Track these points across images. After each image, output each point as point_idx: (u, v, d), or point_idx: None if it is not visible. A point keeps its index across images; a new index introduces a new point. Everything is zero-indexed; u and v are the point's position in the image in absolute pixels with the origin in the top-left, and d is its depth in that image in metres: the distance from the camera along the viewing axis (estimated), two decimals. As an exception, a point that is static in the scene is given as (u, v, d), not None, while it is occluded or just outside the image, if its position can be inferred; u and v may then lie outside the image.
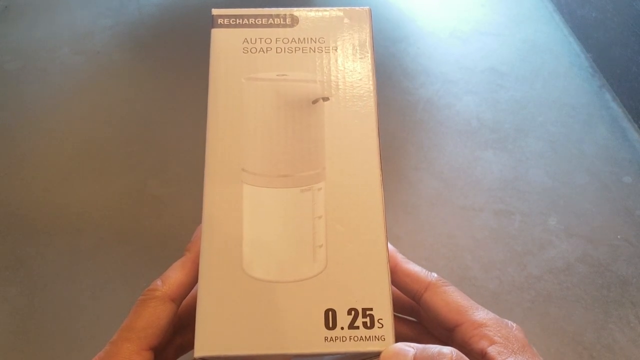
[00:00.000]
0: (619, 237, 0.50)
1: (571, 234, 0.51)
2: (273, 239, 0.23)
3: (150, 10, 0.74)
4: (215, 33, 0.26)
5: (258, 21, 0.26)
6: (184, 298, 0.24)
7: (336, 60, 0.26)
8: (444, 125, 0.59)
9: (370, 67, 0.26)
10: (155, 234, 0.50)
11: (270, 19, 0.26)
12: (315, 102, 0.25)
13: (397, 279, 0.25)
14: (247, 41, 0.26)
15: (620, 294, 0.47)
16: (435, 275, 0.25)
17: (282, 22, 0.26)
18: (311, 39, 0.26)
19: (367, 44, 0.26)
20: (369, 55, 0.26)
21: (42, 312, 0.46)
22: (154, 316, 0.22)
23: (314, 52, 0.26)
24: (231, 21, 0.26)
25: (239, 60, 0.26)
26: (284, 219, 0.24)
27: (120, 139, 0.59)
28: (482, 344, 0.22)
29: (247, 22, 0.26)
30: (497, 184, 0.54)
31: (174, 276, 0.24)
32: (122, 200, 0.53)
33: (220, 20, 0.26)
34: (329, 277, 0.23)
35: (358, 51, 0.26)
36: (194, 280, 0.24)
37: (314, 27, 0.26)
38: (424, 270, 0.25)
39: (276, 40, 0.26)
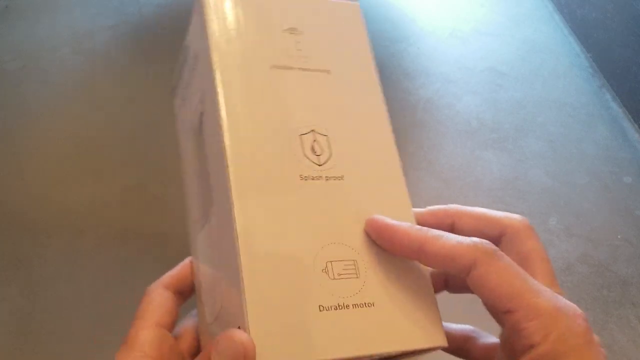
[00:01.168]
0: (619, 237, 0.50)
1: (571, 234, 0.51)
2: None
3: (150, 10, 0.74)
4: None
5: None
6: (180, 287, 0.26)
7: None
8: (444, 125, 0.59)
9: None
10: (155, 234, 0.50)
11: None
12: None
13: (432, 250, 0.21)
14: None
15: (621, 294, 0.47)
16: (484, 242, 0.20)
17: None
18: None
19: None
20: None
21: (42, 312, 0.46)
22: (149, 300, 0.24)
23: None
24: None
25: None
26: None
27: (120, 138, 0.59)
28: (533, 339, 0.19)
29: None
30: (497, 183, 0.54)
31: (175, 270, 0.26)
32: (122, 201, 0.53)
33: None
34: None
35: None
36: (187, 273, 0.26)
37: None
38: (460, 237, 0.21)
39: None
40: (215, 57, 0.24)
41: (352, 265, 0.22)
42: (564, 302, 0.20)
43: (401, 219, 0.23)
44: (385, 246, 0.22)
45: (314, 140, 0.24)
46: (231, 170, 0.22)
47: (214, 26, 0.25)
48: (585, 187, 0.54)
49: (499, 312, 0.20)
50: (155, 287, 0.25)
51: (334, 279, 0.22)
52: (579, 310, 0.19)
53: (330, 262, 0.22)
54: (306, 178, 0.23)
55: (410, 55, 0.67)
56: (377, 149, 0.25)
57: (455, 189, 0.54)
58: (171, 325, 0.24)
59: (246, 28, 0.25)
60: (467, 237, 0.20)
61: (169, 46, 0.70)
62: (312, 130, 0.24)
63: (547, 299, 0.19)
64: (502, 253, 0.20)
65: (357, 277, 0.22)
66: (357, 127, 0.25)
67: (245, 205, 0.22)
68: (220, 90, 0.23)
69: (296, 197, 0.23)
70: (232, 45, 0.25)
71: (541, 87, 0.63)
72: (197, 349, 0.26)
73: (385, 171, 0.24)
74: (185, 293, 0.26)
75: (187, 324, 0.26)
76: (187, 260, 0.27)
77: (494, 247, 0.20)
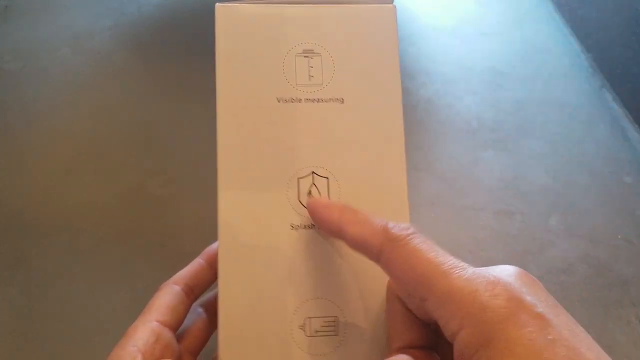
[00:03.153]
0: (619, 237, 0.50)
1: (572, 233, 0.51)
2: None
3: (150, 10, 0.74)
4: None
5: None
6: (192, 284, 0.26)
7: None
8: (444, 125, 0.59)
9: None
10: (155, 234, 0.50)
11: None
12: None
13: (349, 234, 0.20)
14: None
15: (621, 294, 0.47)
16: (391, 224, 0.19)
17: None
18: None
19: None
20: None
21: (42, 312, 0.46)
22: (156, 297, 0.25)
23: None
24: None
25: None
26: None
27: (120, 139, 0.59)
28: (451, 328, 0.15)
29: None
30: (497, 184, 0.54)
31: (187, 267, 0.27)
32: (122, 200, 0.53)
33: None
34: None
35: None
36: (200, 270, 0.26)
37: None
38: (378, 220, 0.19)
39: None
40: (220, 90, 0.22)
41: (332, 322, 0.21)
42: (484, 273, 0.16)
43: None
44: (315, 222, 0.21)
45: (312, 184, 0.22)
46: (220, 222, 0.21)
47: (223, 51, 0.23)
48: (585, 187, 0.54)
49: (416, 302, 0.17)
50: (166, 285, 0.26)
51: (311, 336, 0.21)
52: (502, 276, 0.15)
53: (310, 318, 0.21)
54: (297, 227, 0.21)
55: (411, 55, 0.67)
56: (383, 191, 0.22)
57: (455, 189, 0.54)
58: (174, 323, 0.25)
59: (257, 54, 0.23)
60: (381, 220, 0.18)
61: (168, 46, 0.70)
62: (312, 172, 0.22)
63: (460, 276, 0.16)
64: (415, 235, 0.17)
65: (335, 335, 0.21)
66: (365, 165, 0.22)
67: (229, 258, 0.21)
68: (218, 131, 0.22)
69: (283, 248, 0.21)
70: (239, 75, 0.22)
71: (541, 87, 0.63)
72: (200, 347, 0.26)
73: (389, 217, 0.22)
74: (196, 291, 0.26)
75: (193, 322, 0.26)
76: (199, 259, 0.27)
77: (406, 230, 0.17)
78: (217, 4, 0.23)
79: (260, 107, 0.22)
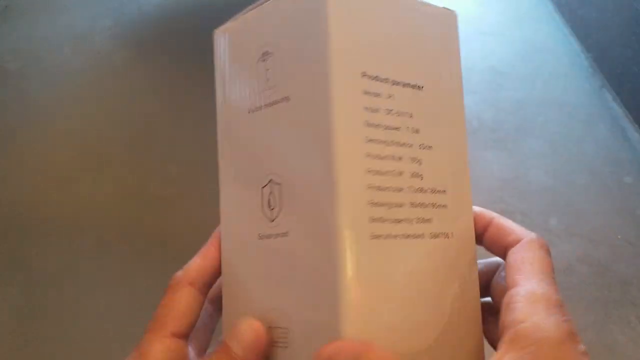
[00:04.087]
0: (619, 237, 0.50)
1: (572, 233, 0.51)
2: None
3: (150, 10, 0.74)
4: None
5: None
6: (208, 281, 0.24)
7: None
8: (444, 125, 0.59)
9: None
10: (155, 234, 0.50)
11: None
12: None
13: (490, 231, 0.22)
14: None
15: (621, 294, 0.47)
16: (535, 236, 0.21)
17: None
18: None
19: None
20: None
21: (42, 312, 0.46)
22: (172, 302, 0.22)
23: None
24: None
25: None
26: None
27: (120, 139, 0.59)
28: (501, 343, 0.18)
29: None
30: (497, 183, 0.54)
31: (194, 262, 0.24)
32: (123, 200, 0.53)
33: None
34: None
35: None
36: (215, 263, 0.25)
37: None
38: (524, 230, 0.22)
39: None
40: (217, 105, 0.23)
41: (284, 334, 0.20)
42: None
43: None
44: None
45: (270, 192, 0.21)
46: (222, 222, 0.22)
47: (219, 69, 0.23)
48: (585, 187, 0.54)
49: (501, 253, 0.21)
50: (181, 285, 0.23)
51: (271, 346, 0.20)
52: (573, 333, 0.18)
53: (271, 328, 0.20)
54: (262, 237, 0.21)
55: (411, 55, 0.67)
56: (333, 192, 0.19)
57: (456, 189, 0.54)
58: (189, 329, 0.23)
59: (235, 69, 0.23)
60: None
61: (168, 46, 0.71)
62: (270, 180, 0.21)
63: (541, 289, 0.19)
64: (545, 245, 0.20)
65: (286, 347, 0.20)
66: (309, 168, 0.20)
67: (227, 251, 0.22)
68: (218, 145, 0.23)
69: (252, 258, 0.21)
70: (227, 91, 0.23)
71: (541, 86, 0.63)
72: (206, 346, 0.25)
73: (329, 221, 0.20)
74: (211, 285, 0.24)
75: (202, 322, 0.25)
76: (212, 251, 0.25)
77: (542, 241, 0.21)
78: (215, 30, 0.23)
79: (237, 121, 0.22)
